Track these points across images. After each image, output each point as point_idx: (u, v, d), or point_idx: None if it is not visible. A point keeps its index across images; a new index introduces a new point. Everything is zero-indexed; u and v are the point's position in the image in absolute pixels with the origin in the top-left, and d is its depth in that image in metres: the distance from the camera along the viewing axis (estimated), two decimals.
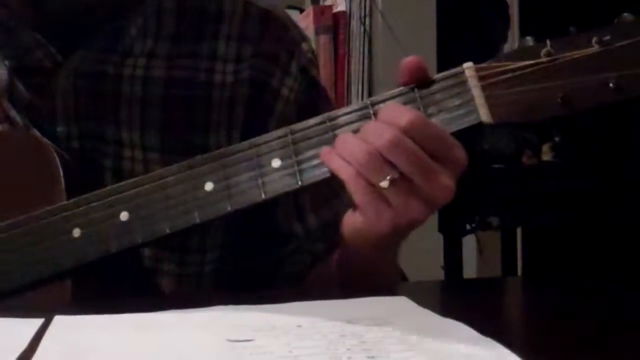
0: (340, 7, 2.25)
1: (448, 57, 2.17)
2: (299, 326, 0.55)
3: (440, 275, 2.11)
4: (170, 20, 0.86)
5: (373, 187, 0.67)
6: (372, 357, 0.48)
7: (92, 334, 0.55)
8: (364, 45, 2.17)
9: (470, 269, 2.60)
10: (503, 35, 2.44)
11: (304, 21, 2.24)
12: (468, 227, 2.28)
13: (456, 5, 2.27)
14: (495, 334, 0.51)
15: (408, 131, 0.66)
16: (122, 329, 0.57)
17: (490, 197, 2.12)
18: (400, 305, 0.62)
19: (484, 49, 2.36)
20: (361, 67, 2.17)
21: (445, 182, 0.67)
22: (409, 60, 0.71)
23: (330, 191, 0.87)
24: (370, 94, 2.16)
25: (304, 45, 0.91)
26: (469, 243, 2.55)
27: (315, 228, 0.88)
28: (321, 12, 2.26)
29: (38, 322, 0.57)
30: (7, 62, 0.83)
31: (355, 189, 0.68)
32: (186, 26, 0.87)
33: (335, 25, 2.24)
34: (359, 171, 0.67)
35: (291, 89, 0.89)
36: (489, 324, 0.54)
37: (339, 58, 2.23)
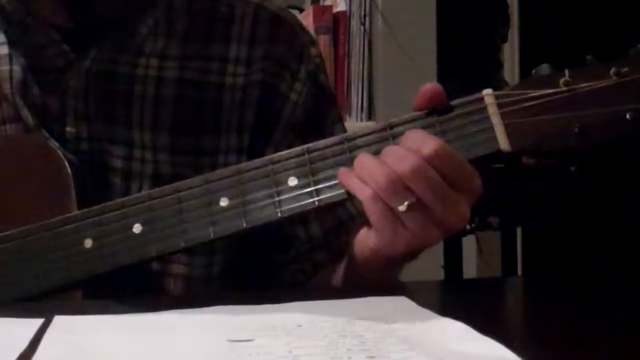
0: (340, 7, 2.25)
1: (448, 58, 2.17)
2: (299, 326, 0.55)
3: (440, 275, 2.11)
4: (181, 21, 0.87)
5: (390, 209, 0.67)
6: (372, 357, 0.48)
7: (92, 335, 0.55)
8: (364, 45, 2.17)
9: (470, 269, 2.60)
10: (503, 36, 2.44)
11: (304, 21, 2.23)
12: (468, 227, 2.28)
13: (456, 5, 2.28)
14: (495, 334, 0.51)
15: (431, 160, 0.67)
16: (122, 329, 0.57)
17: (490, 197, 2.12)
18: (400, 305, 0.62)
19: (484, 49, 2.36)
20: (361, 67, 2.17)
21: (462, 210, 0.68)
22: (427, 87, 0.71)
23: None
24: (370, 94, 2.16)
25: (313, 50, 0.92)
26: (469, 243, 2.55)
27: (318, 235, 0.88)
28: (321, 12, 2.26)
29: (38, 322, 0.57)
30: (21, 59, 0.83)
31: (372, 210, 0.68)
32: (197, 27, 0.87)
33: (335, 25, 2.24)
34: (378, 193, 0.67)
35: (299, 94, 0.89)
36: (489, 324, 0.54)
37: (339, 58, 2.23)
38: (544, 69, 0.70)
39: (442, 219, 0.68)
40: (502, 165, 2.10)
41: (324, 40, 2.22)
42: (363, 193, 0.68)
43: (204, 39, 0.87)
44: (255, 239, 0.86)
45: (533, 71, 0.70)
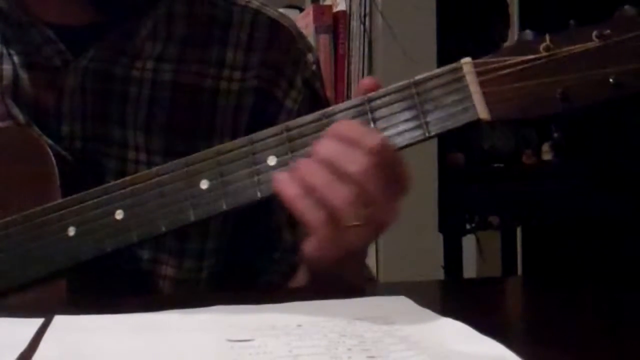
0: (340, 6, 2.25)
1: (448, 57, 2.17)
2: (299, 326, 0.55)
3: (440, 275, 2.11)
4: (180, 25, 0.87)
5: (338, 227, 0.66)
6: (372, 357, 0.48)
7: (92, 334, 0.55)
8: (364, 45, 2.17)
9: (470, 269, 2.60)
10: (503, 35, 2.44)
11: (304, 21, 2.24)
12: (468, 227, 2.28)
13: (456, 5, 2.28)
14: (495, 333, 0.51)
15: (376, 153, 0.66)
16: (122, 329, 0.57)
17: (490, 197, 2.13)
18: (400, 305, 0.62)
19: (484, 49, 2.36)
20: (361, 67, 2.17)
21: (397, 207, 0.68)
22: (364, 82, 0.71)
23: None
24: None
25: (309, 57, 0.92)
26: (469, 243, 2.55)
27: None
28: (321, 11, 2.26)
29: (38, 322, 0.57)
30: (15, 58, 0.83)
31: (322, 232, 0.67)
32: (195, 32, 0.87)
33: (335, 25, 2.24)
34: (331, 216, 0.66)
35: (295, 102, 0.89)
36: (489, 324, 0.54)
37: (339, 58, 2.22)
38: (527, 35, 0.68)
39: (379, 218, 0.67)
40: (502, 165, 2.11)
41: (324, 40, 2.22)
42: (318, 220, 0.66)
43: (202, 43, 0.87)
44: (245, 242, 0.86)
45: (515, 37, 0.69)
